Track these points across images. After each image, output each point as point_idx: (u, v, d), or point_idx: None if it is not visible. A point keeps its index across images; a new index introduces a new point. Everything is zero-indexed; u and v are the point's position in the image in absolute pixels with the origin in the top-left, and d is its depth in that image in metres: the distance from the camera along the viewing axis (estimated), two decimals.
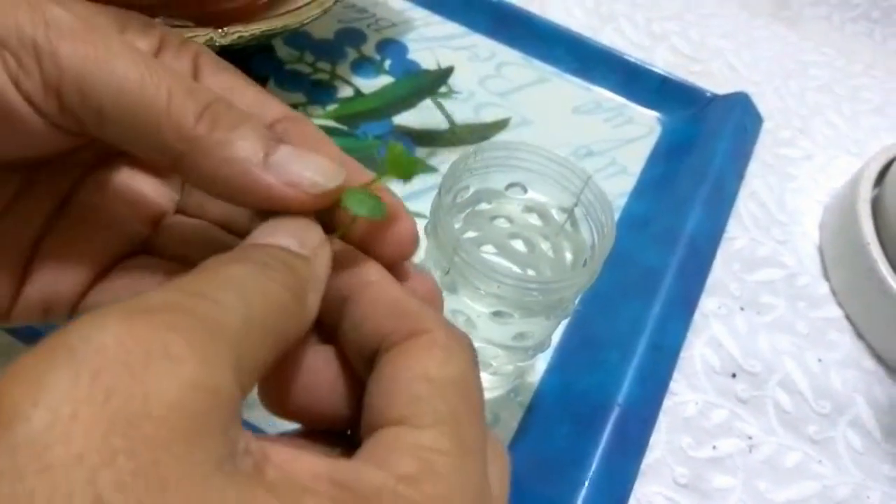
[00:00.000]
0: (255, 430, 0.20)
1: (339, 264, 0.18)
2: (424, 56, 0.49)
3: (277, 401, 0.17)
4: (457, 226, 0.30)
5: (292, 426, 0.18)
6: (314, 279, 0.17)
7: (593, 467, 0.31)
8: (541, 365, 0.36)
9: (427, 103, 0.47)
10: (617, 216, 0.43)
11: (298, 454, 0.14)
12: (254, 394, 0.16)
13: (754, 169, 0.48)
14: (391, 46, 0.50)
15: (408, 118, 0.46)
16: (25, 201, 0.20)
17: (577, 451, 0.32)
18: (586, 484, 0.30)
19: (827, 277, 0.44)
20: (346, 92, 0.46)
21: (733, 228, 0.45)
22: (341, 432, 0.18)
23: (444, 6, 0.52)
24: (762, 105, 0.50)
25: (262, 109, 0.20)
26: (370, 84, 0.47)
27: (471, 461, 0.15)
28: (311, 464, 0.14)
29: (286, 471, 0.14)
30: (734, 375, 0.39)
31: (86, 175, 0.21)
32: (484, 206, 0.31)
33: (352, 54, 0.48)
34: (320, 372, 0.18)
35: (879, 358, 0.41)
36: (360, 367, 0.17)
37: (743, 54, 0.57)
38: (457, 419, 0.15)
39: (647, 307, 0.37)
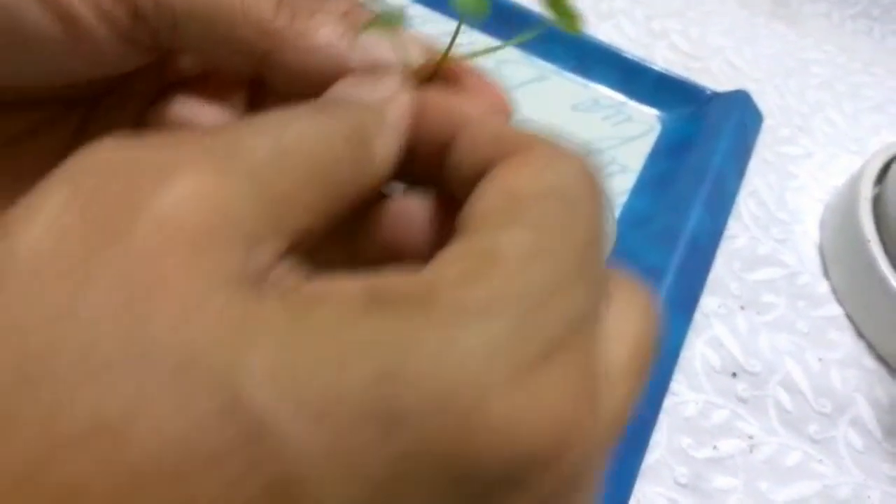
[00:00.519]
0: None
1: (433, 110, 0.17)
2: None
3: (361, 251, 0.16)
4: None
5: None
6: (384, 124, 0.16)
7: None
8: None
9: None
10: (617, 214, 0.43)
11: (340, 277, 0.12)
12: None
13: (754, 167, 0.48)
14: None
15: None
16: (85, 139, 0.19)
17: None
18: None
19: (827, 276, 0.44)
20: None
21: (733, 227, 0.44)
22: None
23: (442, 3, 0.52)
24: (762, 103, 0.50)
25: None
26: None
27: (564, 277, 0.12)
28: (349, 279, 0.12)
29: (314, 288, 0.12)
30: (735, 375, 0.38)
31: (144, 110, 0.20)
32: None
33: None
34: (413, 221, 0.16)
35: (880, 357, 0.41)
36: None
37: (743, 52, 0.57)
38: (549, 227, 0.13)
39: None
